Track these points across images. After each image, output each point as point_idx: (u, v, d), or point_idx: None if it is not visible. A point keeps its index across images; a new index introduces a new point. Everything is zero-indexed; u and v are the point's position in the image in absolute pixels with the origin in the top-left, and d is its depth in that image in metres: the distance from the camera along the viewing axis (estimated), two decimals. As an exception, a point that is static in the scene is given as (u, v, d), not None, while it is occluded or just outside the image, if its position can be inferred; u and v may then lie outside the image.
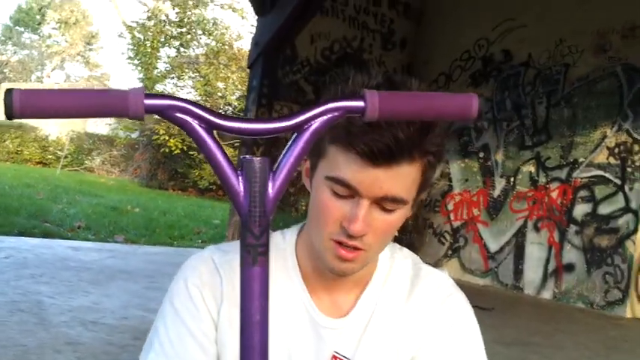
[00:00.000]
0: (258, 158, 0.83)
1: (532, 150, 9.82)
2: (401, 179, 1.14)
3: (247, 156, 0.84)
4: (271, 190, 0.84)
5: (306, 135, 0.86)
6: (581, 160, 9.12)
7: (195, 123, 0.83)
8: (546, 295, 9.19)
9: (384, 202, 1.15)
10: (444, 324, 1.33)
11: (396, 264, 1.38)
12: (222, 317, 1.29)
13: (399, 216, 1.20)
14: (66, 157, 25.76)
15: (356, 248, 1.19)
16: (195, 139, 0.84)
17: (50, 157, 26.27)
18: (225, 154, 0.84)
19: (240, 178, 0.83)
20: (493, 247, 10.07)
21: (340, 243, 1.18)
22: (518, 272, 9.62)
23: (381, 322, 1.33)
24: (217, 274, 1.30)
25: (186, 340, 1.27)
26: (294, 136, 0.86)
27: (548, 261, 9.26)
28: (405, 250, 1.41)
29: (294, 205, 10.79)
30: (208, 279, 1.30)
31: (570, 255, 9.02)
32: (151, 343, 1.30)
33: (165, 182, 23.26)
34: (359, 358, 1.31)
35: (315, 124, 0.86)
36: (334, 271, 1.24)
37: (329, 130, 1.15)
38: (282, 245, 1.37)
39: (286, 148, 0.87)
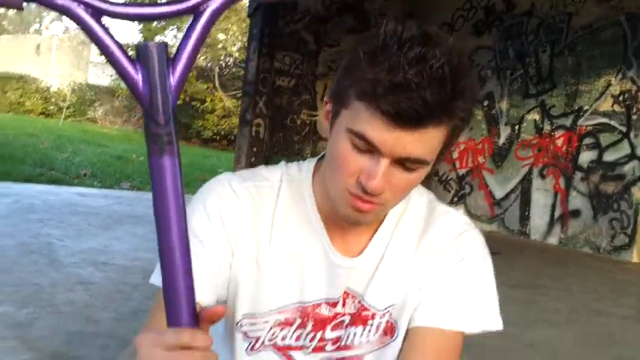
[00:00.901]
0: (154, 43, 0.78)
1: (536, 98, 9.81)
2: (426, 142, 1.11)
3: (143, 43, 0.79)
4: (172, 77, 0.80)
5: (205, 17, 0.80)
6: (585, 107, 9.10)
7: (80, 9, 0.77)
8: (552, 240, 9.23)
9: (405, 162, 1.13)
10: (454, 256, 1.33)
11: (411, 204, 1.37)
12: (240, 249, 1.29)
13: (420, 174, 1.17)
14: (68, 107, 25.69)
15: (372, 202, 1.17)
16: (82, 27, 0.77)
17: (52, 108, 26.17)
18: (117, 42, 0.78)
19: (137, 66, 0.78)
20: (499, 193, 10.11)
21: (356, 195, 1.17)
22: (524, 218, 9.66)
23: (393, 261, 1.33)
24: (237, 199, 1.29)
25: (198, 253, 1.21)
26: (191, 19, 0.81)
27: (554, 207, 9.29)
28: (420, 188, 1.37)
29: (299, 153, 10.80)
30: (227, 203, 1.29)
31: (576, 201, 9.04)
32: None
33: (169, 132, 23.21)
34: (369, 295, 1.33)
35: (213, 5, 0.80)
36: (348, 220, 1.23)
37: (355, 84, 1.10)
38: (298, 177, 1.35)
39: (185, 32, 0.82)
